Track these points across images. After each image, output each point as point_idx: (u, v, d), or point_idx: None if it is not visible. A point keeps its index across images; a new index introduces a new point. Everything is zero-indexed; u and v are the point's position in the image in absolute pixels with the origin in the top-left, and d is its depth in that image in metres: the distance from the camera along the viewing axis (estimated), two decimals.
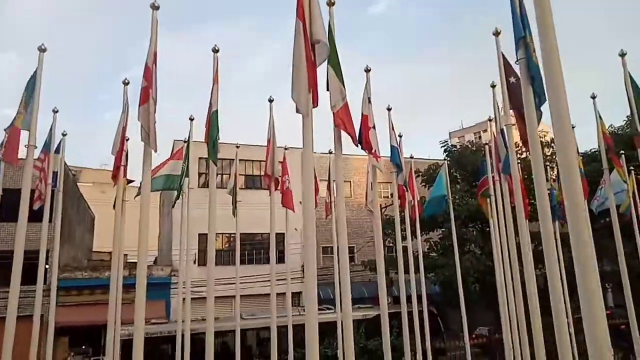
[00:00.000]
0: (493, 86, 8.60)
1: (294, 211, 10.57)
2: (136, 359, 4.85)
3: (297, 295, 23.00)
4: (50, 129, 9.37)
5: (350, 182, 28.63)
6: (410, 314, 9.75)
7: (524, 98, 4.53)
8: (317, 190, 11.37)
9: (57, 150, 9.73)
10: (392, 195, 10.37)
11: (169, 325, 17.64)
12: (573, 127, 4.75)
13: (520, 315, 7.92)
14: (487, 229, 13.57)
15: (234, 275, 11.62)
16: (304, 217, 4.72)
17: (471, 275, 18.19)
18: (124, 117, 7.94)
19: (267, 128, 9.54)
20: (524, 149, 15.82)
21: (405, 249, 9.35)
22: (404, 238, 9.60)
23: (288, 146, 11.57)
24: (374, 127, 6.99)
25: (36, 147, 6.90)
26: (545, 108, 4.70)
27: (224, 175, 22.56)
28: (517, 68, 5.21)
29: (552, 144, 20.10)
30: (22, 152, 6.94)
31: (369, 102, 7.07)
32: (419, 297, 10.58)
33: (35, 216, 8.52)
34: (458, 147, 24.94)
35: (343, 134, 5.47)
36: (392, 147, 8.90)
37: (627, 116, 19.66)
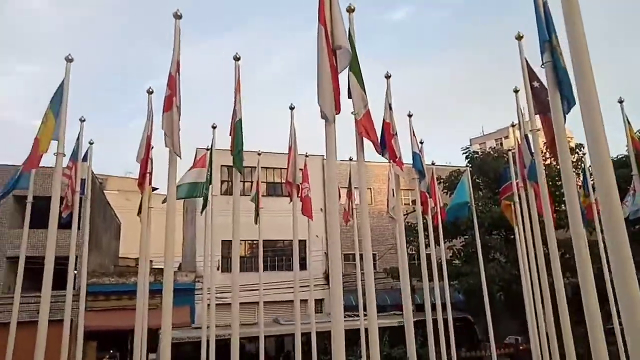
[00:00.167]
0: (516, 91, 8.49)
1: (312, 219, 10.57)
2: None
3: (319, 302, 22.98)
4: (78, 137, 9.59)
5: (370, 189, 28.51)
6: (435, 322, 9.63)
7: (550, 103, 4.44)
8: (338, 196, 11.34)
9: (84, 159, 9.94)
10: (413, 202, 10.31)
11: (193, 330, 17.76)
12: None
13: (549, 324, 7.73)
14: (512, 237, 13.32)
15: (257, 282, 11.64)
16: (329, 224, 4.71)
17: (496, 284, 17.84)
18: (148, 125, 8.05)
19: (289, 135, 9.56)
20: (547, 155, 15.54)
21: (428, 256, 9.23)
22: (426, 245, 9.49)
23: (306, 153, 11.54)
24: (396, 134, 6.97)
25: (65, 155, 7.08)
26: (570, 114, 4.61)
27: (245, 183, 22.74)
28: (540, 72, 5.13)
29: (577, 150, 19.69)
30: (50, 161, 7.16)
31: (390, 108, 7.02)
32: (443, 305, 10.44)
33: (64, 223, 8.74)
34: (480, 153, 24.66)
35: (365, 141, 5.43)
36: (413, 153, 8.82)
37: None
